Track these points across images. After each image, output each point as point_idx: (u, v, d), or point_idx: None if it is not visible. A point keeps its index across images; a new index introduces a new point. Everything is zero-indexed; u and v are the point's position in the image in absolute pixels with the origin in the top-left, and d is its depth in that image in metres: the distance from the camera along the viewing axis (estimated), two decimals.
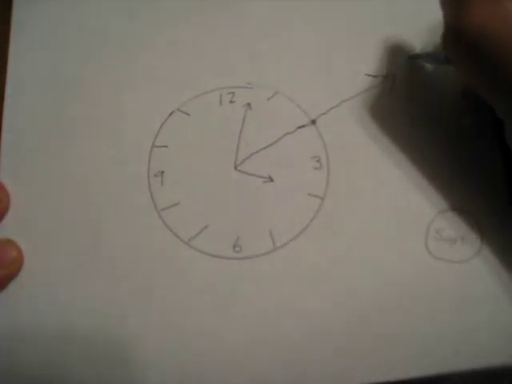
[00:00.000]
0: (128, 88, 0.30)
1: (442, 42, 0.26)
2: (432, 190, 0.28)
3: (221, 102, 0.30)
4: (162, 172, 0.29)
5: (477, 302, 0.27)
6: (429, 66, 0.31)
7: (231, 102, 0.30)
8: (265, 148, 0.29)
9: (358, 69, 0.31)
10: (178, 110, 0.30)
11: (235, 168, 0.29)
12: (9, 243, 0.27)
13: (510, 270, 0.27)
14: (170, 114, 0.30)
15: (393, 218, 0.28)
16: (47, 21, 0.31)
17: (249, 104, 0.30)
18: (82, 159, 0.29)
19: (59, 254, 0.28)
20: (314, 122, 0.30)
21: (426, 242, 0.28)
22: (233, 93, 0.30)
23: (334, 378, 0.26)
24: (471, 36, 0.24)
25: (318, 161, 0.29)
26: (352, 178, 0.29)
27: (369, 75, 0.31)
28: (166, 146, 0.29)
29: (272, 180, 0.29)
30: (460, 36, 0.24)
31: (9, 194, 0.28)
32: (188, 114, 0.30)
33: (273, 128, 0.30)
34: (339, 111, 0.30)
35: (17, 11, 0.31)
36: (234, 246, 0.28)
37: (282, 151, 0.29)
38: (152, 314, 0.27)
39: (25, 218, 0.28)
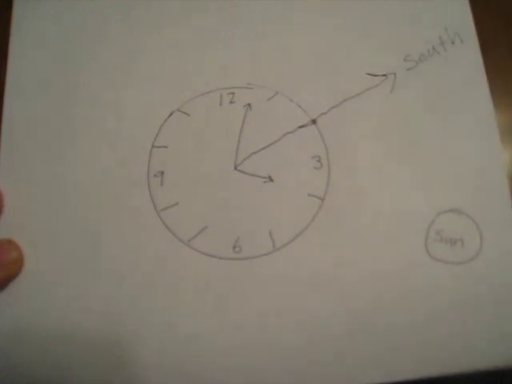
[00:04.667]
0: (128, 88, 0.30)
1: None
2: (432, 191, 0.28)
3: (221, 103, 0.30)
4: (162, 172, 0.29)
5: (477, 303, 0.27)
6: (430, 66, 0.30)
7: (231, 102, 0.30)
8: (265, 148, 0.29)
9: (359, 68, 0.30)
10: (178, 110, 0.30)
11: (235, 168, 0.29)
12: (9, 244, 0.28)
13: (509, 271, 0.27)
14: (170, 114, 0.30)
15: (393, 218, 0.28)
16: (47, 21, 0.31)
17: (249, 104, 0.30)
18: (81, 159, 0.29)
19: (59, 254, 0.28)
20: (314, 121, 0.30)
21: (426, 244, 0.28)
22: (233, 93, 0.30)
23: (334, 381, 0.26)
24: None
25: (318, 160, 0.29)
26: (352, 178, 0.29)
27: (369, 74, 0.30)
28: (165, 147, 0.29)
29: (272, 180, 0.29)
30: None
31: (2, 194, 0.28)
32: (188, 115, 0.30)
33: (273, 128, 0.30)
34: (340, 111, 0.30)
35: (17, 11, 0.31)
36: (234, 247, 0.28)
37: (282, 151, 0.29)
38: (152, 314, 0.27)
39: (25, 219, 0.28)
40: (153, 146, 0.29)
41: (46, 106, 0.30)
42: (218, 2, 0.32)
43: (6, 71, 0.30)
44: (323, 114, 0.30)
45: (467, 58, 0.30)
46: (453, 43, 0.31)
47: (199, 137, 0.29)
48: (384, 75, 0.30)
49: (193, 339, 0.27)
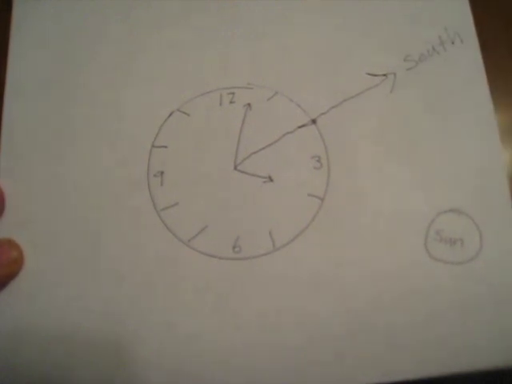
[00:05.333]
0: (128, 88, 0.30)
1: None
2: (432, 191, 0.28)
3: (221, 103, 0.30)
4: (162, 172, 0.29)
5: (477, 303, 0.27)
6: (430, 66, 0.30)
7: (231, 102, 0.30)
8: (265, 148, 0.29)
9: (359, 68, 0.30)
10: (178, 110, 0.30)
11: (235, 168, 0.29)
12: (9, 243, 0.28)
13: (509, 271, 0.27)
14: (170, 114, 0.30)
15: (392, 218, 0.28)
16: (47, 21, 0.31)
17: (249, 104, 0.30)
18: (81, 159, 0.29)
19: (59, 254, 0.28)
20: (314, 121, 0.30)
21: (426, 244, 0.28)
22: (233, 93, 0.30)
23: (334, 381, 0.26)
24: None
25: (318, 160, 0.29)
26: (352, 178, 0.29)
27: (369, 74, 0.30)
28: (165, 147, 0.29)
29: (272, 180, 0.29)
30: None
31: (4, 195, 0.28)
32: (188, 115, 0.30)
33: (273, 128, 0.30)
34: (340, 111, 0.30)
35: (17, 11, 0.31)
36: (234, 247, 0.28)
37: (282, 151, 0.29)
38: (152, 314, 0.27)
39: (25, 218, 0.28)
40: (153, 146, 0.29)
41: (46, 106, 0.30)
42: (218, 2, 0.32)
43: (5, 71, 0.30)
44: (323, 113, 0.30)
45: (467, 57, 0.30)
46: (453, 43, 0.31)
47: (199, 137, 0.29)
48: (384, 75, 0.30)
49: (193, 339, 0.27)
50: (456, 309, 0.27)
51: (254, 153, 0.29)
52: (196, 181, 0.29)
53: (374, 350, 0.26)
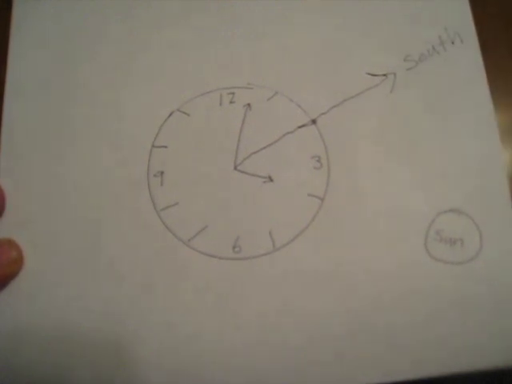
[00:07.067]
0: (128, 88, 0.30)
1: None
2: (432, 191, 0.28)
3: (221, 103, 0.30)
4: (162, 172, 0.29)
5: (477, 303, 0.27)
6: (430, 66, 0.30)
7: (231, 102, 0.30)
8: (265, 148, 0.29)
9: (359, 68, 0.30)
10: (178, 110, 0.30)
11: (235, 168, 0.29)
12: (9, 243, 0.28)
13: (509, 271, 0.27)
14: (170, 114, 0.30)
15: (392, 218, 0.28)
16: (47, 21, 0.31)
17: (249, 104, 0.30)
18: (81, 159, 0.29)
19: (59, 254, 0.28)
20: (314, 121, 0.30)
21: (426, 244, 0.28)
22: (233, 93, 0.30)
23: (334, 381, 0.26)
24: None
25: (318, 160, 0.29)
26: (352, 178, 0.29)
27: (369, 74, 0.30)
28: (165, 147, 0.29)
29: (272, 180, 0.29)
30: None
31: (4, 194, 0.28)
32: (188, 115, 0.30)
33: (273, 128, 0.30)
34: (340, 111, 0.30)
35: (17, 11, 0.31)
36: (234, 247, 0.28)
37: (282, 151, 0.29)
38: (152, 314, 0.27)
39: (25, 218, 0.28)
40: (153, 146, 0.29)
41: (46, 106, 0.30)
42: (217, 2, 0.32)
43: (5, 71, 0.30)
44: (323, 113, 0.30)
45: (467, 57, 0.30)
46: (453, 43, 0.31)
47: (199, 137, 0.29)
48: (384, 75, 0.30)
49: (193, 339, 0.27)
50: (456, 309, 0.27)
51: (254, 153, 0.29)
52: (196, 181, 0.29)
53: (374, 350, 0.26)
